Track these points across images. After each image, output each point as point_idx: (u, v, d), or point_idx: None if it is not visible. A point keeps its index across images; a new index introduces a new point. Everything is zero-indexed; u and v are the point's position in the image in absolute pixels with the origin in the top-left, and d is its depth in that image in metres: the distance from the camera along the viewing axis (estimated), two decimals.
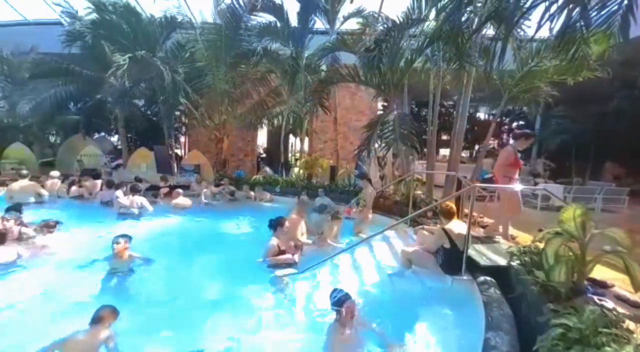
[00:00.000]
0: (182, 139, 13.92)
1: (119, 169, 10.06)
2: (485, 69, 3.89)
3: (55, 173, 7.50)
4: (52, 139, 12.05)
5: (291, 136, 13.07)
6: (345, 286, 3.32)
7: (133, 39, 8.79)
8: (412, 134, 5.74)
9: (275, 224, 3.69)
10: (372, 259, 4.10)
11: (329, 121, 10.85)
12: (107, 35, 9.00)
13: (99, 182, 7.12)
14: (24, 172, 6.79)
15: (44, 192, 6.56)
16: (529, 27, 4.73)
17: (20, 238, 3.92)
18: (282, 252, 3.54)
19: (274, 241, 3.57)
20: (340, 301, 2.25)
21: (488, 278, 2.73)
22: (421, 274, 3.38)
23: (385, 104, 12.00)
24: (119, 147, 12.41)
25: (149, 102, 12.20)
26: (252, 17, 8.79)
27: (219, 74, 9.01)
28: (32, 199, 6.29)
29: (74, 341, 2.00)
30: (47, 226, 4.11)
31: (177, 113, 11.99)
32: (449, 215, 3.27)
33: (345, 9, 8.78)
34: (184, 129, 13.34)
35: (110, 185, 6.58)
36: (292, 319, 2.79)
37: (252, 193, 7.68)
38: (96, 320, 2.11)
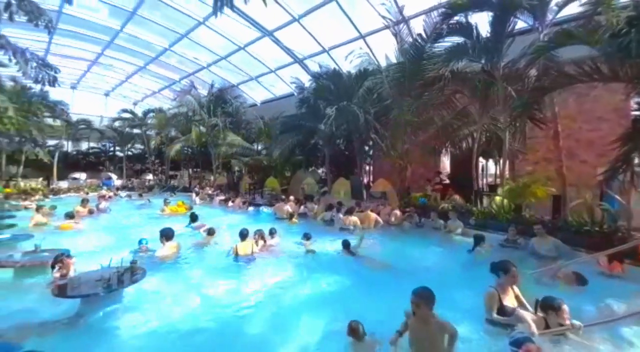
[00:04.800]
0: (367, 168, 15.64)
1: (325, 195, 12.73)
2: None
3: (292, 197, 10.63)
4: (286, 173, 17.31)
5: (480, 159, 11.32)
6: None
7: (337, 93, 11.27)
8: None
9: (498, 268, 3.02)
10: None
11: (538, 136, 8.53)
12: (321, 95, 12.12)
13: (316, 205, 9.33)
14: (282, 197, 10.24)
15: (290, 209, 9.43)
16: None
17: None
18: (503, 307, 2.89)
19: (493, 290, 2.96)
20: (518, 341, 2.13)
21: None
22: None
23: None
24: (324, 177, 15.79)
25: (346, 140, 14.93)
26: (434, 44, 8.82)
27: (402, 106, 9.57)
28: (284, 215, 9.20)
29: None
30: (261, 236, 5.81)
31: (366, 148, 13.81)
32: None
33: None
34: (369, 159, 15.03)
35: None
36: None
37: (441, 222, 7.28)
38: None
